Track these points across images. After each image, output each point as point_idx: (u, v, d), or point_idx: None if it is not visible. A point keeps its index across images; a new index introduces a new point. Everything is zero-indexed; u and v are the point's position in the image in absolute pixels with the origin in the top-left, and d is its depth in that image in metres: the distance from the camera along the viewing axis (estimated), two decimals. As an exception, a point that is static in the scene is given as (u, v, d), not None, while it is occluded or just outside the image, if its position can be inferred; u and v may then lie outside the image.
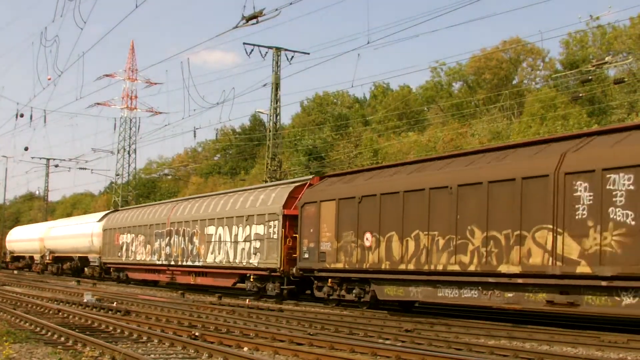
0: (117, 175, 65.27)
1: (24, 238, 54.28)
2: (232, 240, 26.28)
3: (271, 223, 24.10)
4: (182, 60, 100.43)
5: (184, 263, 29.77)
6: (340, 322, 16.80)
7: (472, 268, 16.45)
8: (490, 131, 46.07)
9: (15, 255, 57.68)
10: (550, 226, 14.80)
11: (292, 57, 41.29)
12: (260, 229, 24.63)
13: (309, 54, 50.61)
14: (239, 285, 27.02)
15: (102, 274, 40.64)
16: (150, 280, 35.70)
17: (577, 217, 14.36)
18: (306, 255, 22.16)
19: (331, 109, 65.80)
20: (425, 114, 58.90)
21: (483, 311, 20.27)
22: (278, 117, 41.69)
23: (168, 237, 31.52)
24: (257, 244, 24.66)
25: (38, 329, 15.07)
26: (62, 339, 13.51)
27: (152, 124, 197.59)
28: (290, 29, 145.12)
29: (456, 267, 16.80)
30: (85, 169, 64.42)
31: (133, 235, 35.40)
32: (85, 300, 21.99)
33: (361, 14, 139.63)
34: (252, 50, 39.91)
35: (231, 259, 26.18)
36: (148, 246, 33.70)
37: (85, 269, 43.42)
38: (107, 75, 61.13)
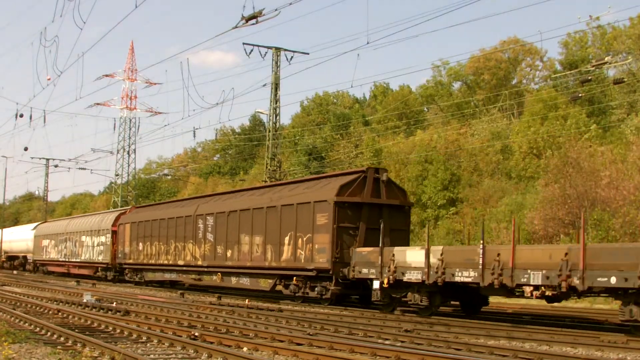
0: (117, 175, 65.33)
1: None
2: (92, 245, 41.44)
3: (107, 235, 39.41)
4: (181, 61, 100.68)
5: (73, 260, 44.91)
6: (339, 322, 16.81)
7: (200, 262, 29.28)
8: (490, 131, 46.09)
9: None
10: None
11: (292, 57, 41.33)
12: (102, 238, 40.12)
13: (308, 54, 50.60)
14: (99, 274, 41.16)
15: (36, 268, 54.15)
16: (59, 272, 48.56)
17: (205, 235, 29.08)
18: (119, 255, 37.35)
19: (332, 109, 65.85)
20: (425, 114, 58.94)
21: (483, 311, 20.27)
22: (278, 117, 41.72)
23: (65, 242, 46.26)
24: (102, 247, 40.26)
25: (37, 329, 15.06)
26: (62, 339, 13.50)
27: (152, 124, 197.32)
28: (290, 29, 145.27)
29: (182, 262, 30.72)
30: (85, 169, 64.44)
31: (49, 240, 49.85)
32: (84, 301, 21.98)
33: (361, 14, 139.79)
34: (252, 50, 39.96)
35: (91, 257, 41.75)
36: (56, 248, 48.00)
37: (26, 264, 57.71)
38: (106, 76, 61.20)
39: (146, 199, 72.19)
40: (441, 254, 18.16)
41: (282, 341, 13.13)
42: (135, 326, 15.34)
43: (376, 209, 22.04)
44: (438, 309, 19.52)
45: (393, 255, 19.57)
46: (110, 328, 15.30)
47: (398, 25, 38.49)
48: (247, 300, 23.80)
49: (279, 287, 24.36)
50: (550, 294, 15.86)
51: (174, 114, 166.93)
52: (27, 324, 15.94)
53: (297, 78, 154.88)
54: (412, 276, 18.92)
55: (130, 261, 35.62)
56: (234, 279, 27.06)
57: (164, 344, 12.98)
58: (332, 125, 57.35)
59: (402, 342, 13.42)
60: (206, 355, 11.46)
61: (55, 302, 22.68)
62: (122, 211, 40.25)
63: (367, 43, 26.04)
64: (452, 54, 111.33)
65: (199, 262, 28.84)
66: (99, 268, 40.34)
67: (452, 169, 43.64)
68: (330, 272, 21.60)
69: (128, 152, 65.17)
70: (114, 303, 22.06)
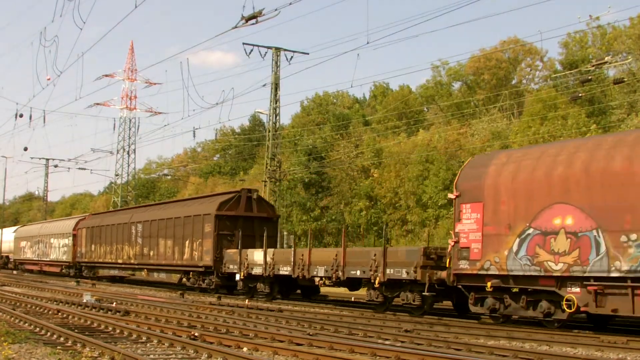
0: (117, 175, 65.27)
1: None
2: (58, 246, 47.04)
3: (69, 238, 45.06)
4: (181, 61, 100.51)
5: (44, 259, 50.15)
6: (339, 322, 16.81)
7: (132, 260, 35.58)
8: (490, 131, 46.07)
9: None
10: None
11: (292, 57, 41.26)
12: (66, 241, 45.67)
13: (308, 54, 50.48)
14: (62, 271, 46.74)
15: (16, 266, 59.01)
16: (36, 270, 53.45)
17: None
18: (78, 255, 43.59)
19: (332, 109, 65.79)
20: (425, 114, 58.91)
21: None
22: (277, 117, 41.68)
23: (38, 244, 51.51)
24: (65, 248, 45.43)
25: (37, 329, 15.05)
26: (62, 339, 13.50)
27: (152, 124, 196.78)
28: (290, 29, 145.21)
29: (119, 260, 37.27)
30: (85, 169, 64.43)
31: (26, 241, 55.22)
32: (84, 301, 21.99)
33: (361, 14, 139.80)
34: (252, 50, 39.89)
35: (58, 257, 47.05)
36: (32, 249, 53.09)
37: (8, 263, 63.13)
38: (106, 76, 61.16)
39: (146, 199, 72.17)
40: (273, 255, 24.91)
41: (282, 341, 13.13)
42: (135, 326, 15.34)
43: (249, 220, 28.96)
44: (277, 296, 25.82)
45: (247, 255, 26.29)
46: (110, 328, 15.30)
47: (398, 25, 38.45)
48: (246, 300, 23.87)
49: (184, 280, 31.81)
50: (328, 283, 22.87)
51: (174, 114, 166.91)
52: (27, 324, 15.94)
53: (297, 78, 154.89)
54: (257, 270, 25.62)
55: (86, 260, 42.50)
56: (155, 274, 35.33)
57: (163, 344, 12.98)
58: (332, 125, 57.32)
59: (402, 342, 13.42)
60: (206, 356, 11.46)
61: (55, 302, 22.68)
62: (82, 217, 47.41)
63: (367, 43, 26.06)
64: (452, 54, 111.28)
65: (132, 261, 35.66)
66: (64, 266, 46.68)
67: (454, 169, 43.61)
68: (213, 269, 28.51)
69: (128, 152, 65.15)
70: (114, 303, 22.07)
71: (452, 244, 17.65)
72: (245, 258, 26.21)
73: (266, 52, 40.41)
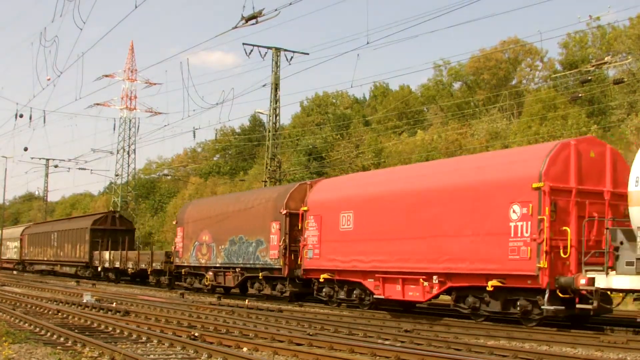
0: (117, 175, 65.18)
1: None
2: (12, 248, 59.53)
3: (17, 241, 57.50)
4: (181, 61, 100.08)
5: (2, 258, 61.49)
6: (339, 322, 16.81)
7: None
8: (489, 131, 46.06)
9: None
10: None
11: (292, 57, 41.22)
12: (16, 243, 57.92)
13: (308, 54, 50.51)
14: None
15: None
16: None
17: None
18: (24, 254, 56.02)
19: (333, 110, 65.73)
20: (425, 114, 58.89)
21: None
22: (277, 118, 41.67)
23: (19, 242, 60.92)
24: (16, 249, 58.43)
25: (37, 329, 15.06)
26: (62, 339, 13.50)
27: (152, 125, 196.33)
28: (290, 29, 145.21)
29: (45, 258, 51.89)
30: (85, 169, 64.26)
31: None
32: (84, 301, 21.99)
33: (361, 14, 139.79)
34: (252, 50, 39.86)
35: (11, 256, 59.54)
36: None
37: None
38: (106, 76, 60.94)
39: (146, 199, 72.13)
40: (111, 255, 40.15)
41: (282, 341, 13.13)
42: (135, 326, 15.34)
43: (114, 232, 42.74)
44: (120, 280, 40.22)
45: (101, 255, 41.12)
46: (110, 328, 15.30)
47: (398, 25, 38.40)
48: (246, 300, 23.84)
49: (79, 272, 44.44)
50: (132, 271, 37.37)
51: (174, 114, 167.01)
52: (27, 324, 15.94)
53: (297, 78, 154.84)
54: (106, 264, 40.40)
55: (27, 258, 55.53)
56: (64, 268, 47.36)
57: (163, 344, 12.98)
58: (333, 126, 57.29)
59: (402, 342, 13.42)
60: (206, 356, 11.46)
61: (55, 303, 22.68)
62: (27, 226, 61.06)
63: (367, 43, 26.00)
64: (452, 54, 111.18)
65: (52, 259, 49.25)
66: (14, 263, 59.05)
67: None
68: (88, 264, 42.92)
69: (128, 152, 65.04)
70: (114, 303, 22.07)
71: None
72: (100, 256, 41.22)
73: (266, 53, 40.42)
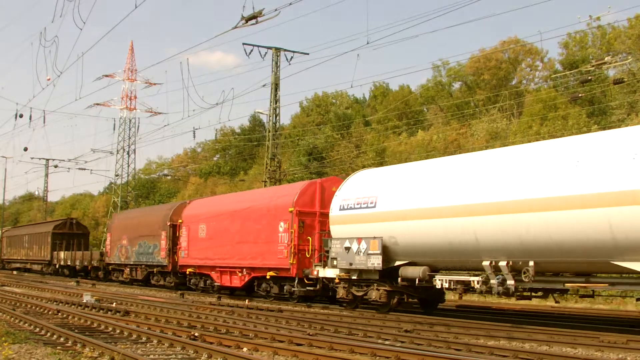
0: (117, 175, 65.19)
1: None
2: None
3: None
4: (181, 61, 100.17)
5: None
6: (339, 322, 16.81)
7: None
8: (489, 132, 46.05)
9: None
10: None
11: (292, 57, 41.26)
12: None
13: (308, 54, 50.62)
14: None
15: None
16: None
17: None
18: (3, 254, 64.91)
19: (333, 109, 65.73)
20: (425, 114, 58.87)
21: (483, 312, 20.28)
22: (277, 118, 41.67)
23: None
24: None
25: (37, 329, 15.05)
26: (62, 339, 13.50)
27: (152, 125, 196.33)
28: (290, 29, 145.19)
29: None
30: (85, 169, 64.49)
31: None
32: (84, 301, 21.98)
33: (361, 14, 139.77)
34: (252, 50, 39.90)
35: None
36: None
37: None
38: (106, 76, 60.96)
39: (146, 199, 72.18)
40: (64, 255, 47.95)
41: (282, 341, 13.12)
42: (135, 326, 15.34)
43: (72, 235, 49.38)
44: (77, 275, 45.58)
45: (59, 255, 48.47)
46: (110, 328, 15.30)
47: (398, 25, 38.48)
48: (246, 300, 23.90)
49: (44, 269, 51.93)
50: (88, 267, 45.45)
51: (174, 114, 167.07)
52: (27, 325, 15.94)
53: (297, 78, 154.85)
54: (62, 262, 48.11)
55: (6, 258, 63.29)
56: (34, 266, 54.45)
57: (163, 344, 12.98)
58: (333, 126, 57.29)
59: (402, 342, 13.41)
60: (206, 356, 11.45)
61: (55, 303, 22.68)
62: (8, 229, 68.81)
63: (367, 43, 26.06)
64: (452, 54, 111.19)
65: (23, 258, 56.65)
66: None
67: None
68: (49, 262, 49.78)
69: (128, 153, 65.03)
70: (114, 303, 22.07)
71: None
72: (58, 256, 48.94)
73: (266, 53, 40.44)
